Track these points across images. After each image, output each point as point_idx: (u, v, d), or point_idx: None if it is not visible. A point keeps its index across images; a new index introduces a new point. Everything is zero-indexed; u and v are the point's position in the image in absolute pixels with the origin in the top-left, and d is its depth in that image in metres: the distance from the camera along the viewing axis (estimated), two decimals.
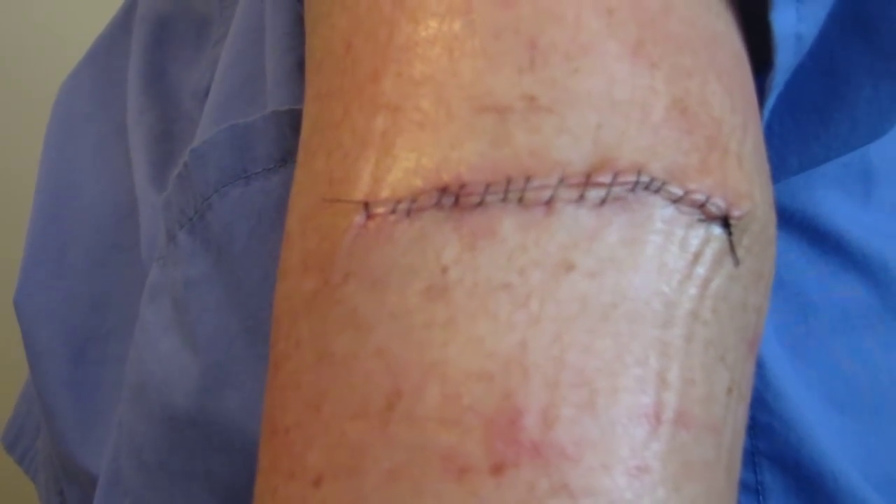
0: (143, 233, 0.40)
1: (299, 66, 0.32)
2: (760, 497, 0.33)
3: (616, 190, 0.22)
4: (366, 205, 0.22)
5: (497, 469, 0.20)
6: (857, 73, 0.29)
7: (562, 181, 0.22)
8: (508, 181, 0.22)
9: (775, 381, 0.32)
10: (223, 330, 0.33)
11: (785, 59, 0.26)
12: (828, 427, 0.33)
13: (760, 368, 0.32)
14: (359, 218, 0.22)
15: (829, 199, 0.35)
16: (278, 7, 0.33)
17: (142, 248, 0.40)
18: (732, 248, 0.23)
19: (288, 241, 0.24)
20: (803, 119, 0.30)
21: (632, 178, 0.22)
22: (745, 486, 0.33)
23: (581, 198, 0.22)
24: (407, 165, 0.22)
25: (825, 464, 0.32)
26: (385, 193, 0.22)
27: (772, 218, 0.24)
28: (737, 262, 0.23)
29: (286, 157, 0.32)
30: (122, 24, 0.51)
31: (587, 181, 0.22)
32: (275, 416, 0.23)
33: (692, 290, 0.22)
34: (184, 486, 0.35)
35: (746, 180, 0.23)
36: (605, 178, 0.22)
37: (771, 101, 0.27)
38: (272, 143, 0.32)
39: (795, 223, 0.34)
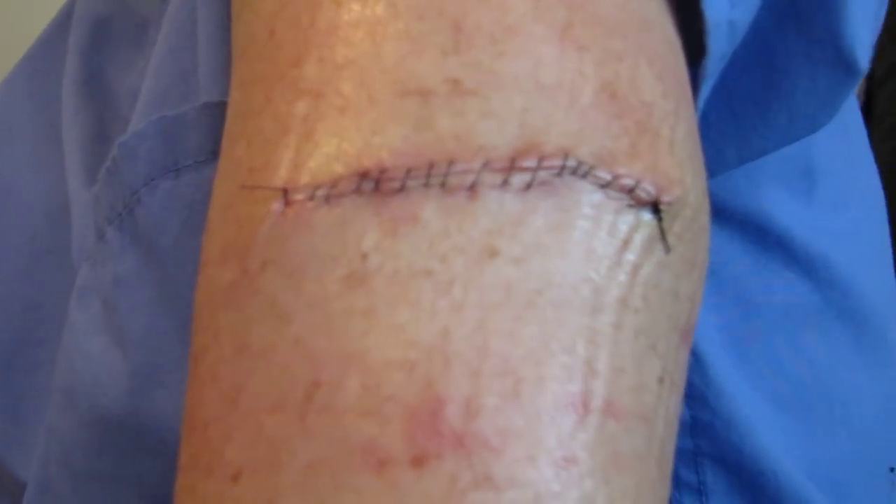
0: (75, 234, 0.39)
1: (230, 59, 0.32)
2: (703, 497, 0.32)
3: (542, 174, 0.21)
4: (285, 191, 0.22)
5: (418, 461, 0.19)
6: (793, 63, 0.29)
7: (486, 166, 0.21)
8: (431, 166, 0.21)
9: (717, 380, 0.32)
10: (153, 329, 0.32)
11: (718, 46, 0.26)
12: (771, 426, 0.33)
13: (702, 367, 0.32)
14: (277, 205, 0.22)
15: (773, 196, 0.34)
16: (210, 1, 0.33)
17: (73, 251, 0.39)
18: (663, 234, 0.23)
19: (208, 230, 0.23)
20: (740, 111, 0.30)
21: (558, 162, 0.22)
22: (687, 486, 0.32)
23: (505, 183, 0.21)
24: (328, 151, 0.22)
25: (767, 463, 0.32)
26: (304, 180, 0.22)
27: (705, 206, 0.24)
28: (667, 248, 0.23)
29: (217, 149, 0.32)
30: (60, 26, 0.50)
31: (512, 166, 0.21)
32: (194, 412, 0.22)
33: (621, 277, 0.22)
34: (113, 490, 0.34)
35: (678, 166, 0.23)
36: (531, 163, 0.21)
37: (706, 89, 0.27)
38: (204, 135, 0.32)
39: (738, 221, 0.34)
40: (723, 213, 0.33)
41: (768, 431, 0.32)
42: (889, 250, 0.39)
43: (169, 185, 0.32)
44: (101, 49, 0.45)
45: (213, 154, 0.32)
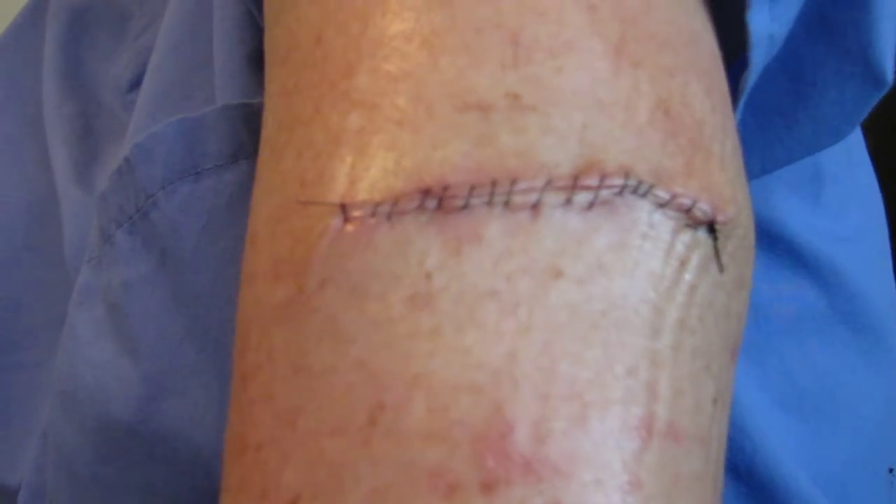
0: (67, 234, 0.38)
1: (250, 59, 0.31)
2: None
3: (603, 193, 0.21)
4: (343, 207, 0.21)
5: (487, 487, 0.19)
6: (822, 75, 0.29)
7: (548, 184, 0.21)
8: (494, 184, 0.21)
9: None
10: (167, 335, 0.31)
11: (759, 60, 0.26)
12: (780, 431, 0.33)
13: None
14: (335, 221, 0.21)
15: (782, 202, 0.35)
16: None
17: (65, 250, 0.38)
18: (717, 254, 0.22)
19: (254, 244, 0.23)
20: (767, 122, 0.30)
21: (619, 181, 0.21)
22: None
23: (568, 202, 0.21)
24: (385, 165, 0.21)
25: (778, 470, 0.32)
26: (363, 195, 0.21)
27: (752, 223, 0.24)
28: (721, 268, 0.23)
29: (238, 153, 0.31)
30: (31, 17, 0.48)
31: (574, 184, 0.21)
32: (244, 432, 0.21)
33: (679, 298, 0.22)
34: (118, 498, 0.33)
35: (730, 184, 0.23)
36: (593, 182, 0.21)
37: (743, 100, 0.27)
38: (224, 138, 0.31)
39: None
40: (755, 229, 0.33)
41: (778, 438, 0.33)
42: (888, 254, 0.40)
43: (187, 189, 0.31)
44: (80, 39, 0.44)
45: (233, 158, 0.31)
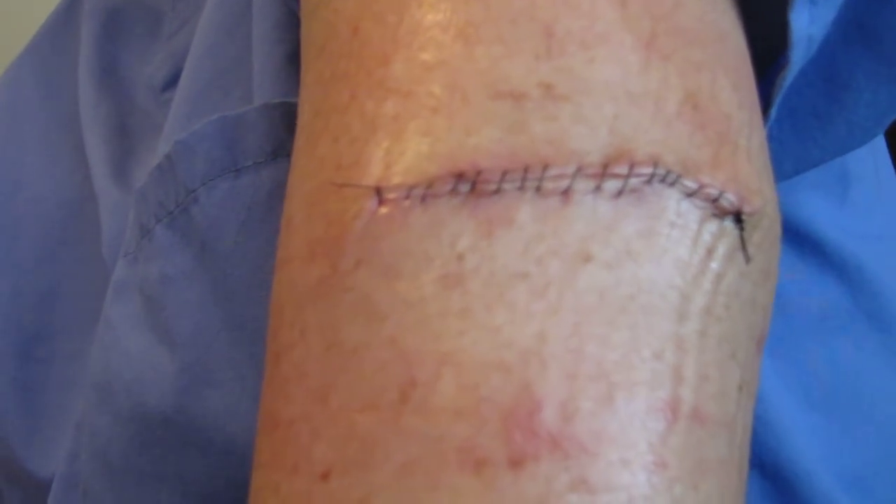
0: (105, 230, 0.39)
1: (289, 59, 0.32)
2: None
3: (632, 181, 0.22)
4: (378, 190, 0.22)
5: (515, 462, 0.19)
6: (857, 78, 0.30)
7: (579, 171, 0.21)
8: (526, 169, 0.21)
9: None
10: (204, 327, 0.32)
11: (798, 60, 0.26)
12: (805, 427, 0.33)
13: None
14: (370, 203, 0.22)
15: (810, 201, 0.35)
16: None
17: (103, 246, 0.39)
18: (744, 244, 0.23)
19: (289, 227, 0.23)
20: (802, 124, 0.30)
21: (648, 169, 0.22)
22: None
23: (598, 189, 0.21)
24: (420, 150, 0.22)
25: (802, 467, 0.33)
26: (398, 179, 0.22)
27: (778, 216, 0.24)
28: (748, 258, 0.23)
29: (277, 150, 0.32)
30: (64, 17, 0.49)
31: (604, 172, 0.22)
32: (277, 408, 0.22)
33: (706, 285, 0.22)
34: (152, 488, 0.33)
35: (756, 176, 0.23)
36: (622, 170, 0.22)
37: (778, 100, 0.27)
38: (263, 136, 0.32)
39: None
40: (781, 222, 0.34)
41: (803, 434, 0.33)
42: None
43: (227, 185, 0.32)
44: (115, 40, 0.45)
45: (273, 155, 0.32)
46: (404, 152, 0.22)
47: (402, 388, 0.20)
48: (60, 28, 0.49)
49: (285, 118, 0.31)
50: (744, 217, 0.23)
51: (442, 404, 0.20)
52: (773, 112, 0.27)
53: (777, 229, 0.24)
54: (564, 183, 0.21)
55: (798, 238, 0.35)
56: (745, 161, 0.23)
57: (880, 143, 0.41)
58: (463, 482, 0.19)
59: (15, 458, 0.41)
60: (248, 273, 0.32)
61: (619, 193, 0.22)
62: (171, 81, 0.42)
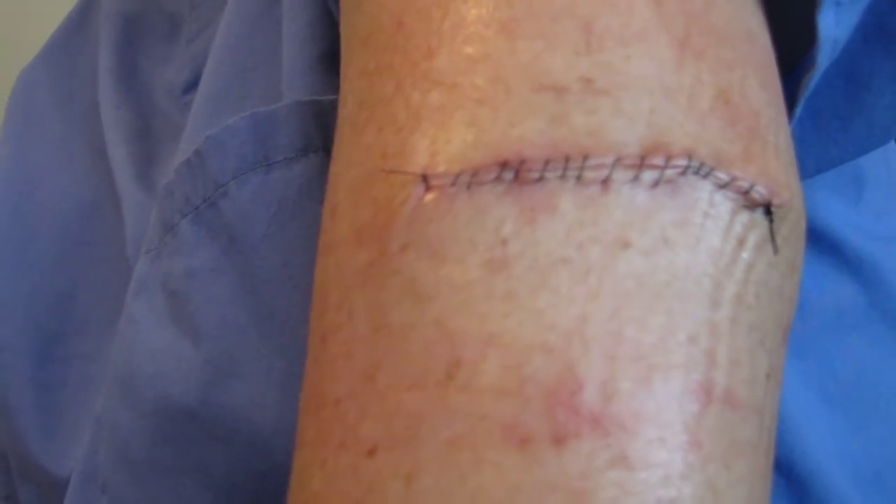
0: (129, 230, 0.40)
1: (321, 58, 0.32)
2: None
3: (668, 173, 0.23)
4: (424, 177, 0.22)
5: (558, 439, 0.20)
6: (878, 80, 0.31)
7: (618, 161, 0.22)
8: (567, 159, 0.22)
9: None
10: (231, 320, 0.33)
11: (823, 60, 0.27)
12: (821, 424, 0.34)
13: None
14: (417, 189, 0.22)
15: (825, 201, 0.36)
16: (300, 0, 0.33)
17: (128, 246, 0.39)
18: (773, 235, 0.24)
19: (335, 214, 0.24)
20: (824, 124, 0.31)
21: (683, 161, 0.23)
22: None
23: (636, 179, 0.22)
24: (465, 139, 0.22)
25: (816, 464, 0.33)
26: (443, 167, 0.22)
27: (804, 211, 0.25)
28: (776, 250, 0.24)
29: (308, 147, 0.32)
30: (78, 22, 0.50)
31: (642, 163, 0.22)
32: (323, 388, 0.22)
33: (738, 274, 0.23)
34: (173, 481, 0.34)
35: (784, 171, 0.24)
36: (659, 161, 0.22)
37: (803, 100, 0.28)
38: (294, 132, 0.32)
39: None
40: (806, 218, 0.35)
41: (818, 431, 0.34)
42: None
43: (259, 179, 0.33)
44: (135, 44, 0.46)
45: (303, 151, 0.32)
46: (450, 141, 0.22)
47: (447, 368, 0.21)
48: (74, 33, 0.50)
49: (316, 116, 0.32)
50: (773, 209, 0.24)
51: (487, 383, 0.21)
52: (798, 111, 0.28)
53: (803, 224, 0.25)
54: (604, 172, 0.22)
55: (814, 237, 0.36)
56: (773, 156, 0.24)
57: (892, 145, 0.42)
58: (507, 458, 0.20)
59: (31, 456, 0.42)
60: (277, 266, 0.32)
61: (656, 184, 0.22)
62: (192, 85, 0.42)
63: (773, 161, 0.24)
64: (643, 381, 0.21)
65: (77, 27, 0.50)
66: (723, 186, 0.23)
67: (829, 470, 0.33)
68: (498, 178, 0.22)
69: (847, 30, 0.28)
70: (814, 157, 0.32)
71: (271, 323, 0.32)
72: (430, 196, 0.22)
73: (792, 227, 0.24)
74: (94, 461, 0.37)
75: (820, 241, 0.36)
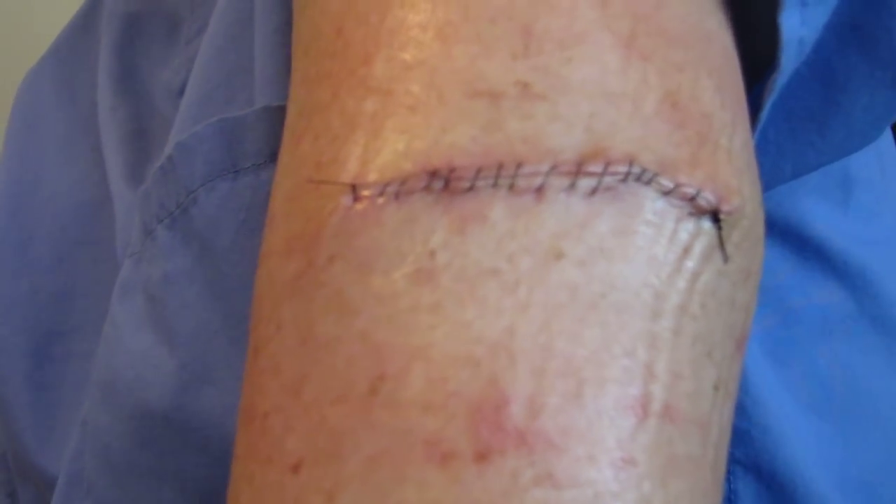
0: (119, 230, 0.40)
1: (290, 64, 0.32)
2: None
3: (607, 180, 0.22)
4: (353, 187, 0.22)
5: (481, 456, 0.20)
6: (854, 82, 0.30)
7: (553, 169, 0.22)
8: (500, 167, 0.21)
9: (755, 388, 0.32)
10: (203, 327, 0.33)
11: (788, 63, 0.26)
12: (806, 432, 0.33)
13: (741, 375, 0.32)
14: (346, 199, 0.22)
15: (811, 206, 0.35)
16: (270, 4, 0.33)
17: (117, 246, 0.40)
18: (722, 243, 0.23)
19: (271, 223, 0.24)
20: (799, 127, 0.30)
21: (623, 168, 0.22)
22: None
23: (572, 186, 0.22)
24: (397, 148, 0.22)
25: (800, 472, 0.32)
26: (373, 176, 0.22)
27: (760, 216, 0.24)
28: (726, 258, 0.23)
29: (276, 152, 0.32)
30: (83, 22, 0.50)
31: (579, 170, 0.22)
32: (253, 401, 0.22)
33: (681, 284, 0.22)
34: (153, 485, 0.34)
35: (736, 175, 0.23)
36: (597, 168, 0.22)
37: (769, 102, 0.27)
38: (262, 138, 0.32)
39: (778, 230, 0.34)
40: (765, 222, 0.34)
41: (803, 439, 0.33)
42: None
43: (227, 186, 0.33)
44: (134, 45, 0.46)
45: (272, 157, 0.32)
46: (381, 150, 0.22)
47: (371, 382, 0.20)
48: (80, 33, 0.50)
49: (284, 121, 0.32)
50: (722, 216, 0.23)
51: (410, 398, 0.20)
52: (765, 114, 0.27)
53: (759, 230, 0.24)
54: (538, 181, 0.21)
55: (800, 242, 0.35)
56: (724, 160, 0.23)
57: (888, 145, 0.41)
58: (429, 475, 0.20)
59: (28, 455, 0.42)
60: (247, 272, 0.32)
61: (594, 191, 0.22)
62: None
63: (724, 166, 0.23)
64: (573, 395, 0.20)
65: (83, 27, 0.50)
66: (667, 193, 0.22)
67: (814, 477, 0.32)
68: (427, 188, 0.21)
69: (815, 29, 0.27)
70: (790, 162, 0.31)
71: (240, 329, 0.32)
72: (358, 206, 0.22)
73: (745, 234, 0.23)
74: (80, 464, 0.37)
75: (805, 246, 0.35)
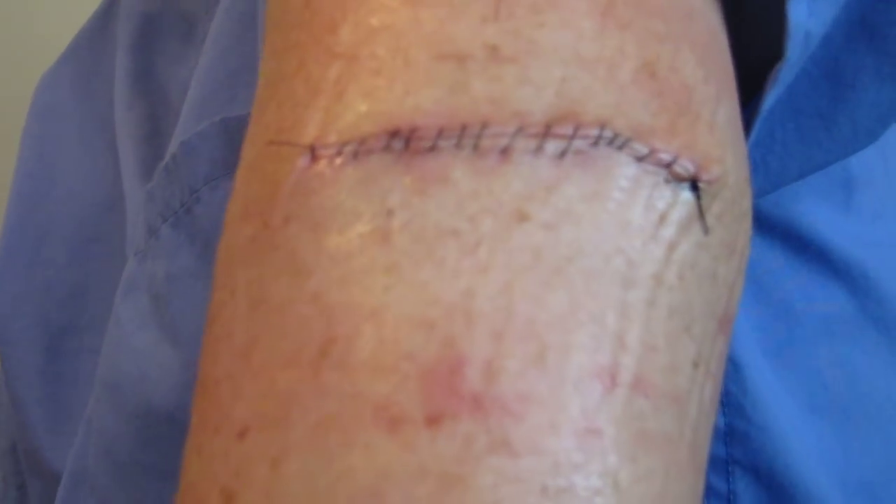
0: (130, 229, 0.40)
1: None
2: None
3: (577, 143, 0.21)
4: (312, 148, 0.21)
5: (433, 421, 0.18)
6: (861, 77, 0.29)
7: (520, 130, 0.21)
8: (464, 127, 0.21)
9: (755, 389, 0.31)
10: None
11: (794, 54, 0.26)
12: (806, 433, 0.32)
13: (740, 376, 0.31)
14: (303, 160, 0.21)
15: (812, 207, 0.34)
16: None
17: (127, 245, 0.40)
18: (701, 213, 0.22)
19: (233, 192, 0.23)
20: (806, 125, 0.30)
21: (594, 131, 0.21)
22: (716, 494, 0.31)
23: (539, 149, 0.21)
24: (359, 110, 0.21)
25: (800, 473, 0.31)
26: (333, 138, 0.21)
27: (745, 191, 0.23)
28: (706, 229, 0.22)
29: None
30: (101, 21, 0.51)
31: (546, 132, 0.21)
32: (206, 371, 0.21)
33: (656, 253, 0.21)
34: (156, 483, 0.33)
35: (718, 146, 0.22)
36: (566, 131, 0.21)
37: (773, 94, 0.26)
38: None
39: (779, 232, 0.33)
40: (765, 223, 0.33)
41: (803, 440, 0.32)
42: None
43: (229, 184, 0.32)
44: (151, 44, 0.46)
45: None
46: (342, 113, 0.21)
47: (322, 345, 0.19)
48: (98, 32, 0.51)
49: None
50: (701, 185, 0.22)
51: (361, 360, 0.19)
52: (767, 104, 0.26)
53: (745, 204, 0.23)
54: (503, 141, 0.21)
55: (801, 244, 0.34)
56: (705, 131, 0.22)
57: (892, 146, 0.40)
58: (378, 440, 0.18)
59: (38, 449, 0.42)
60: None
61: (563, 154, 0.21)
62: None
63: (705, 135, 0.22)
64: (534, 360, 0.19)
65: (101, 27, 0.51)
66: (641, 159, 0.21)
67: (814, 478, 0.31)
68: (387, 148, 0.21)
69: (822, 23, 0.27)
70: (797, 161, 0.30)
71: None
72: (315, 167, 0.21)
73: (726, 206, 0.22)
74: (83, 462, 0.37)
75: (807, 248, 0.34)
